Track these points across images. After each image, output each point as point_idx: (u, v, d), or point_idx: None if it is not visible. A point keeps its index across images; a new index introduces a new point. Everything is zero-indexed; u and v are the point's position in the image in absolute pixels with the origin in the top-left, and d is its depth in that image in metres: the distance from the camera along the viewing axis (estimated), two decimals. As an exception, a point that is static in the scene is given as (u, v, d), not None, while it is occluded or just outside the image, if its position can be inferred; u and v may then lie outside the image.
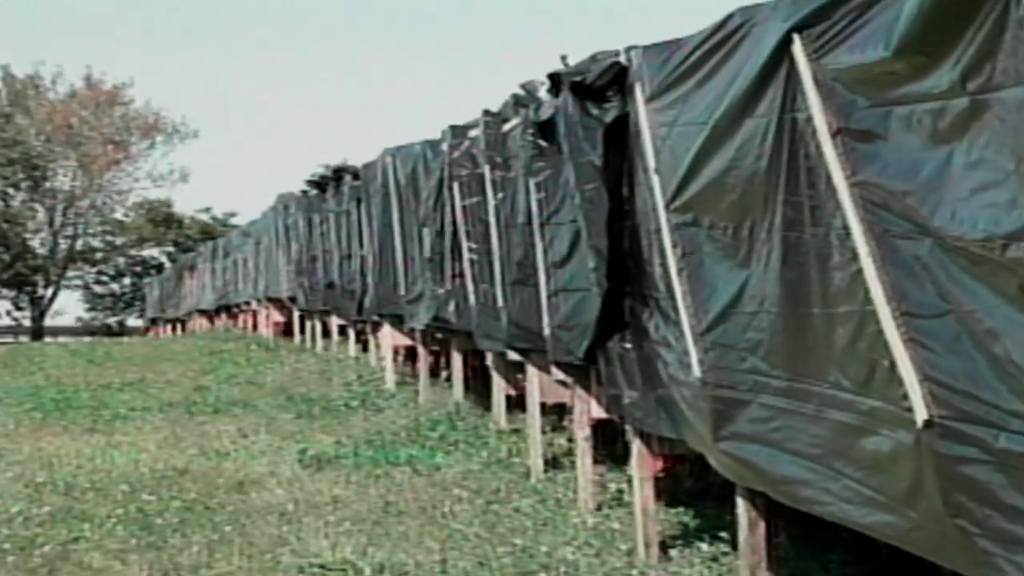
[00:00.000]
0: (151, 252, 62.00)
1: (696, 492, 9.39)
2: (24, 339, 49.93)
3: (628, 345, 8.30)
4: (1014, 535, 4.37)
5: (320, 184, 22.49)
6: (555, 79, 8.92)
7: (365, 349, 20.70)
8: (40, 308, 59.96)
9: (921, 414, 4.76)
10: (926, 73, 4.49)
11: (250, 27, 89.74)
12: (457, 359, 14.99)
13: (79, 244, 61.26)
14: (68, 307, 61.93)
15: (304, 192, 24.44)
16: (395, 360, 17.70)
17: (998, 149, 4.17)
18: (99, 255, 62.23)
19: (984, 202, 4.26)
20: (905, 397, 4.86)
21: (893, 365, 4.92)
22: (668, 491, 9.14)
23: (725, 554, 8.01)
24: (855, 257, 5.12)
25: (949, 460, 4.63)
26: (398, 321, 16.95)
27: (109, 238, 62.18)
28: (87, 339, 42.18)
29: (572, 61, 8.61)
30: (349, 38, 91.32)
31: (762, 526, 6.94)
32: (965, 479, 4.56)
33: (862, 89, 4.99)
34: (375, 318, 18.48)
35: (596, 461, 10.07)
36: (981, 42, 4.15)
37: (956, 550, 4.76)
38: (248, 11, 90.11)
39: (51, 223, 59.85)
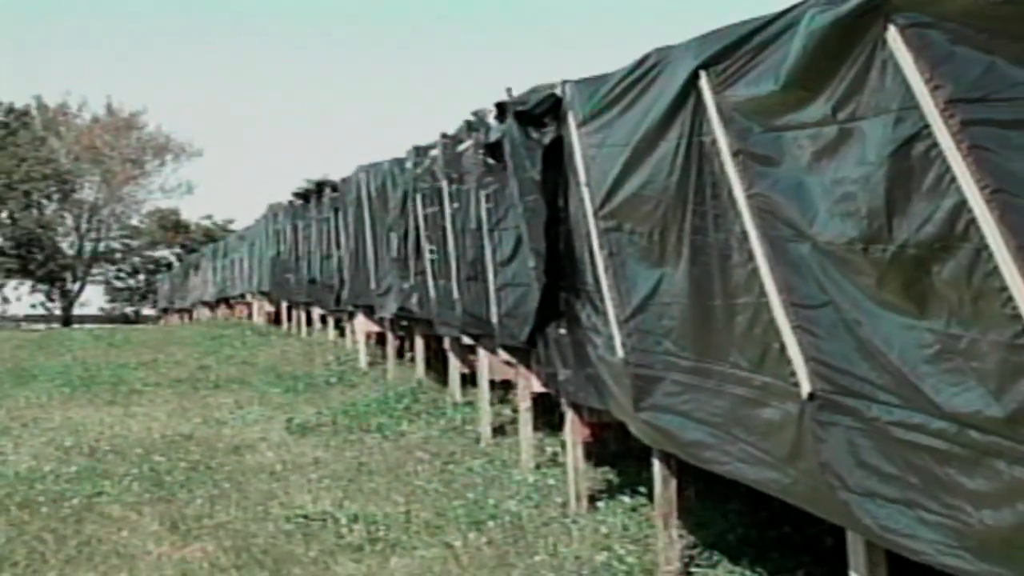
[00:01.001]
0: (162, 253, 61.36)
1: (619, 454, 9.38)
2: (55, 326, 49.30)
3: (563, 331, 8.28)
4: (868, 488, 4.41)
5: (304, 195, 22.34)
6: (501, 107, 8.89)
7: (342, 335, 20.57)
8: (69, 300, 59.42)
9: (806, 388, 4.78)
10: (806, 104, 4.49)
11: (247, 62, 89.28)
12: (419, 343, 14.91)
13: (101, 246, 60.64)
14: (92, 299, 61.35)
15: (291, 202, 24.27)
16: (367, 344, 17.62)
17: (857, 169, 4.19)
18: (118, 255, 61.62)
19: (847, 212, 4.28)
20: (793, 374, 4.87)
21: (783, 347, 4.93)
22: (596, 453, 9.12)
23: (643, 505, 8.02)
24: (751, 257, 5.12)
25: (826, 427, 4.66)
26: (370, 311, 16.86)
27: (127, 241, 61.57)
28: (108, 326, 41.62)
29: (516, 92, 8.59)
30: (329, 73, 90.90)
31: (673, 482, 6.93)
32: (836, 443, 4.59)
33: (756, 117, 4.99)
34: (350, 308, 18.37)
35: (535, 428, 10.06)
36: (851, 79, 4.15)
37: (824, 501, 4.80)
38: (246, 49, 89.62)
39: (78, 228, 59.28)
